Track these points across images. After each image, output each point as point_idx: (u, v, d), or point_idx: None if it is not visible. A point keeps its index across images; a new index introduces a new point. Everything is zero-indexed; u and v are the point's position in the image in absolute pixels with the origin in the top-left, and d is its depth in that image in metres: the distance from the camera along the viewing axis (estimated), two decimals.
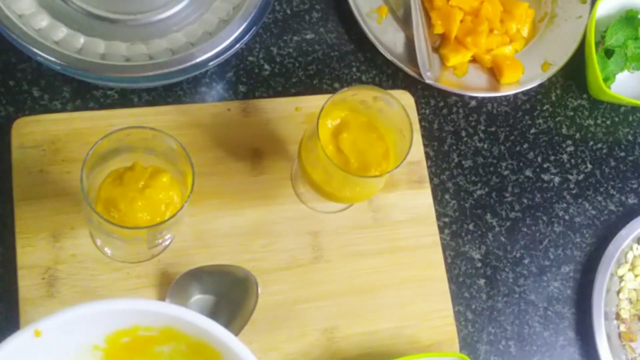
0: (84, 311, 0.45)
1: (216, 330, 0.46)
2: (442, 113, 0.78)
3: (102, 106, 0.69)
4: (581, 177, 0.79)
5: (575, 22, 0.81)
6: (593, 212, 0.78)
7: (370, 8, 0.77)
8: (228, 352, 0.47)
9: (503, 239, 0.75)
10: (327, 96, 0.59)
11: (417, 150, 0.74)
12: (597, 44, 0.80)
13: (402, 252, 0.70)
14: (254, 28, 0.67)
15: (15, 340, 0.44)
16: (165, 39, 0.66)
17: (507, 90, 0.78)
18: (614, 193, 0.79)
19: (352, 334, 0.67)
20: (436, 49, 0.78)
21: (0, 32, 0.62)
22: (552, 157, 0.79)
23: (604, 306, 0.72)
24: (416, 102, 0.76)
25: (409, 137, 0.58)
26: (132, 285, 0.63)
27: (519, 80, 0.78)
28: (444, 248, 0.71)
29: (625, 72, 0.83)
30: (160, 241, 0.61)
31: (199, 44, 0.66)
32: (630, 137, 0.82)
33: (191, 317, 0.47)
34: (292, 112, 0.72)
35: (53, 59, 0.62)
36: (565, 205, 0.78)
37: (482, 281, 0.73)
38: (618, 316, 0.74)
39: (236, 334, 0.62)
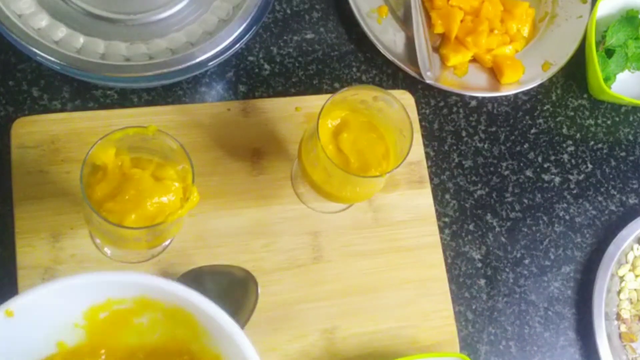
0: (50, 288, 0.45)
1: (183, 291, 0.46)
2: (442, 113, 0.77)
3: (101, 106, 0.69)
4: (582, 177, 0.79)
5: (576, 22, 0.81)
6: (594, 212, 0.78)
7: (370, 8, 0.77)
8: (200, 314, 0.47)
9: (503, 239, 0.75)
10: (327, 96, 0.59)
11: (417, 150, 0.74)
12: (597, 44, 0.80)
13: (402, 252, 0.70)
14: (254, 28, 0.67)
15: None
16: (165, 38, 0.66)
17: (508, 90, 0.77)
18: (615, 193, 0.79)
19: (352, 335, 0.66)
20: (436, 49, 0.78)
21: (0, 32, 0.62)
22: (553, 157, 0.79)
23: (604, 306, 0.72)
24: (416, 102, 0.76)
25: (409, 137, 0.58)
26: None
27: (519, 80, 0.78)
28: (444, 248, 0.71)
29: (626, 72, 0.83)
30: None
31: (198, 43, 0.66)
32: (630, 137, 0.82)
33: (156, 281, 0.47)
34: (292, 112, 0.72)
35: (53, 59, 0.62)
36: (565, 205, 0.77)
37: (482, 281, 0.72)
38: (619, 316, 0.74)
39: None
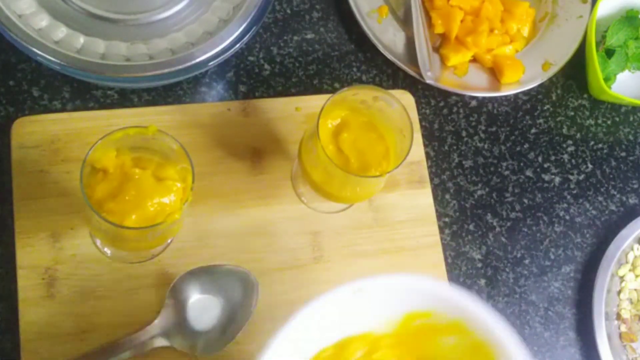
0: (396, 280, 0.50)
1: (502, 331, 0.50)
2: (442, 113, 0.77)
3: (102, 106, 0.69)
4: (582, 177, 0.79)
5: (576, 22, 0.81)
6: (594, 212, 0.78)
7: (370, 8, 0.77)
8: (505, 355, 0.49)
9: (503, 239, 0.75)
10: (327, 96, 0.59)
11: (418, 150, 0.74)
12: (597, 44, 0.80)
13: (402, 252, 0.70)
14: (254, 28, 0.67)
15: (337, 294, 0.48)
16: (165, 38, 0.66)
17: (508, 90, 0.77)
18: (615, 193, 0.79)
19: None
20: (436, 49, 0.78)
21: (0, 32, 0.62)
22: (553, 157, 0.79)
23: (604, 306, 0.72)
24: (416, 102, 0.76)
25: (409, 137, 0.58)
26: (132, 285, 0.63)
27: (519, 80, 0.78)
28: (445, 248, 0.71)
29: (626, 72, 0.83)
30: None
31: (199, 43, 0.66)
32: (631, 137, 0.82)
33: (484, 315, 0.50)
34: (292, 112, 0.72)
35: (53, 59, 0.62)
36: (566, 205, 0.77)
37: (482, 281, 0.72)
38: (619, 316, 0.74)
39: (236, 334, 0.62)
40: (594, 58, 0.77)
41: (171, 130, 0.57)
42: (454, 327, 0.51)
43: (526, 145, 0.79)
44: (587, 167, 0.80)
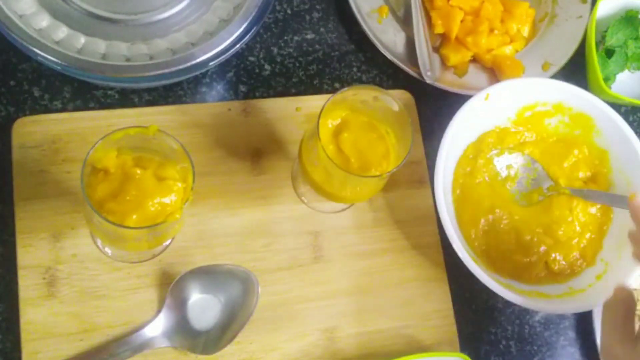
0: (513, 84, 0.71)
1: (593, 99, 0.71)
2: (442, 113, 0.77)
3: (102, 106, 0.69)
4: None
5: (576, 22, 0.81)
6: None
7: (370, 8, 0.77)
8: (600, 117, 0.71)
9: None
10: (327, 96, 0.59)
11: (418, 150, 0.74)
12: (597, 44, 0.80)
13: (402, 252, 0.70)
14: (255, 28, 0.67)
15: (473, 101, 0.69)
16: (165, 38, 0.66)
17: None
18: None
19: (352, 334, 0.67)
20: (437, 49, 0.78)
21: (1, 32, 0.62)
22: None
23: None
24: (416, 102, 0.76)
25: (409, 137, 0.58)
26: (133, 285, 0.63)
27: None
28: (444, 248, 0.71)
29: (626, 72, 0.83)
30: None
31: (199, 43, 0.66)
32: None
33: (576, 90, 0.72)
34: (292, 112, 0.72)
35: (53, 59, 0.62)
36: None
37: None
38: None
39: (236, 334, 0.62)
40: (594, 58, 0.77)
41: (172, 130, 0.57)
42: (556, 108, 0.72)
43: None
44: None
